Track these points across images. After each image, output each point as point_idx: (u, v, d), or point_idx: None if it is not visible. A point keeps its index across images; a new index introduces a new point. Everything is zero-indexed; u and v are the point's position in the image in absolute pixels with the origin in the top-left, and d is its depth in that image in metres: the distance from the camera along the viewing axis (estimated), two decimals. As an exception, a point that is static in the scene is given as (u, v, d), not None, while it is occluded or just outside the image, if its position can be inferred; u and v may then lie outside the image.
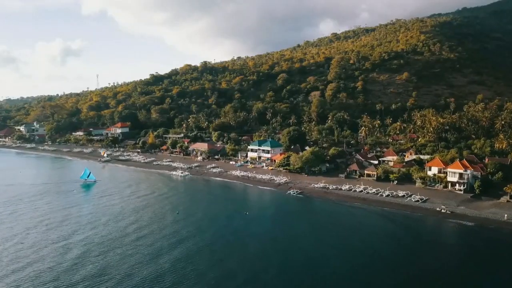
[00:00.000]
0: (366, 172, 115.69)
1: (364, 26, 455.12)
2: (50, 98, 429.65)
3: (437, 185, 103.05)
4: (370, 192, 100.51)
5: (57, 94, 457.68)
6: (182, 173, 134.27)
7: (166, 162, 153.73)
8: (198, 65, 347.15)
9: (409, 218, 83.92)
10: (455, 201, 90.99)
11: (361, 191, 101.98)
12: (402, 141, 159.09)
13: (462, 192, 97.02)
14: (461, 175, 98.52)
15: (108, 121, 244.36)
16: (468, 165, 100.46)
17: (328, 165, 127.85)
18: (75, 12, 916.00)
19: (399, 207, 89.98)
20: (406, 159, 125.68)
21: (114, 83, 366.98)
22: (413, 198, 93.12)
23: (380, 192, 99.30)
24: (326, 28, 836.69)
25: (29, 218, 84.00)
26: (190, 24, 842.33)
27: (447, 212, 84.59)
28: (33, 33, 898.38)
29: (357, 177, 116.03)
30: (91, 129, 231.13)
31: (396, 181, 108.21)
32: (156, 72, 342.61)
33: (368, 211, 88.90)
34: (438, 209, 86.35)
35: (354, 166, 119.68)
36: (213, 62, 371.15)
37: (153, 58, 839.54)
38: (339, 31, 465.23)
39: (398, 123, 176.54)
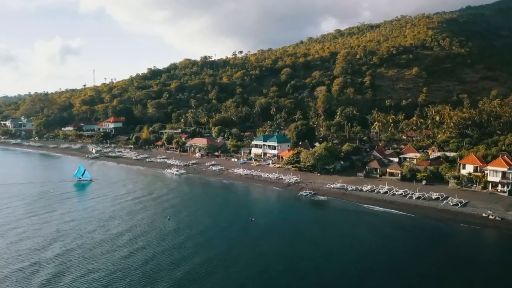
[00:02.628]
0: (388, 170, 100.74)
1: (369, 23, 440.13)
2: (45, 95, 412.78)
3: (474, 185, 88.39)
4: (397, 193, 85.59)
5: (55, 92, 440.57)
6: (177, 171, 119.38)
7: (160, 159, 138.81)
8: (198, 59, 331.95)
9: (451, 227, 68.84)
10: (501, 205, 76.00)
11: (386, 192, 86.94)
12: (417, 138, 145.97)
13: (506, 194, 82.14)
14: (504, 174, 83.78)
15: (102, 116, 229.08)
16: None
17: (342, 162, 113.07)
18: (74, 10, 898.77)
19: (435, 212, 75.11)
20: (431, 156, 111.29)
21: (112, 79, 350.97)
22: (450, 201, 78.19)
23: (409, 193, 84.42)
24: (328, 27, 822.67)
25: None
26: (189, 23, 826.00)
27: (496, 218, 69.73)
28: (32, 32, 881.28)
29: (378, 176, 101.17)
30: (82, 124, 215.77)
31: (425, 181, 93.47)
32: (154, 66, 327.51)
33: (400, 218, 73.75)
34: (484, 215, 71.50)
35: (374, 164, 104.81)
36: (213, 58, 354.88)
37: (152, 58, 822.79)
38: (342, 28, 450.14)
39: (415, 118, 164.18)
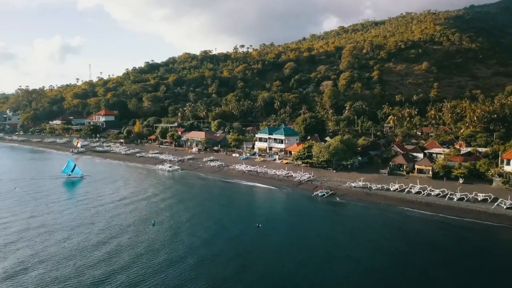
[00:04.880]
0: (417, 167, 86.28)
1: (373, 19, 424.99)
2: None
3: (524, 185, 74.12)
4: (432, 194, 71.08)
5: (49, 86, 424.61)
6: (170, 167, 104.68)
7: (152, 154, 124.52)
8: (198, 54, 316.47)
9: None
10: None
11: (419, 192, 72.48)
12: (436, 133, 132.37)
13: None
14: None
15: (94, 110, 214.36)
16: None
17: (360, 158, 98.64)
18: (72, 8, 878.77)
19: (487, 216, 60.44)
20: (462, 152, 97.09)
21: (110, 75, 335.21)
22: (503, 204, 63.71)
23: (448, 194, 69.81)
24: (330, 26, 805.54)
25: None
26: (189, 21, 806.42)
27: None
28: (31, 30, 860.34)
29: (405, 173, 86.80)
30: (71, 117, 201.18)
31: (462, 179, 79.06)
32: (152, 60, 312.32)
33: (444, 225, 58.86)
34: (552, 220, 57.40)
35: (399, 159, 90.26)
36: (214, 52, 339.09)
37: (152, 56, 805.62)
38: (346, 25, 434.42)
39: (432, 112, 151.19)
